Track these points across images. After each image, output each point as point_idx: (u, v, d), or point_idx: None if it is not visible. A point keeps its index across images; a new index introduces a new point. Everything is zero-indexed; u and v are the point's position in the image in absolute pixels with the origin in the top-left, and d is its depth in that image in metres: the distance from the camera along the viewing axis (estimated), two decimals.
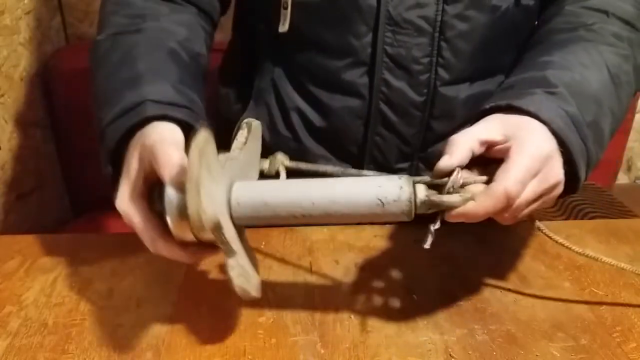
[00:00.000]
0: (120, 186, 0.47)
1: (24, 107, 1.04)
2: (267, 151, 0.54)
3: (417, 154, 0.68)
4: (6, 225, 0.97)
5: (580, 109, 0.50)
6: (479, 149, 0.46)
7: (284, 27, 0.61)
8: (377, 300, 0.55)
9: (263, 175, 0.50)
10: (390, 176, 0.44)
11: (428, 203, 0.43)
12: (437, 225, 0.45)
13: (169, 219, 0.43)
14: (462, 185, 0.44)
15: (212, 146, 0.42)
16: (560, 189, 0.48)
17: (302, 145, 0.68)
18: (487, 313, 0.53)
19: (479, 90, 0.66)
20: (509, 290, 0.57)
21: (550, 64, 0.54)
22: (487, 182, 0.45)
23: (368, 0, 0.59)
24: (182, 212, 0.41)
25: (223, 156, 0.44)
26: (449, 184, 0.43)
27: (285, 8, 0.60)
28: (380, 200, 0.43)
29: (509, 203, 0.44)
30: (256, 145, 0.52)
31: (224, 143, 0.75)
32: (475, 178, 0.45)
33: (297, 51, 0.65)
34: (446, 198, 0.43)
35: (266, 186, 0.45)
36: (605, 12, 0.60)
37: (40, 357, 0.48)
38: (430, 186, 0.45)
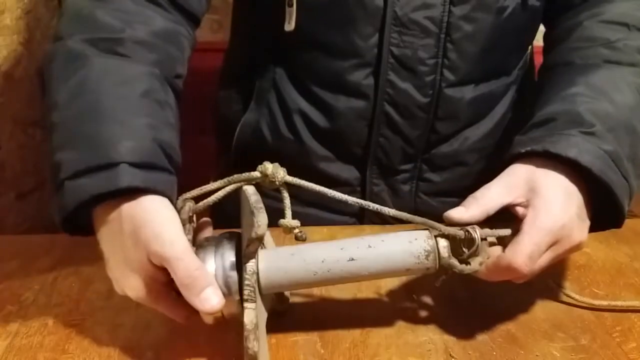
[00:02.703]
0: (120, 271, 0.44)
1: (24, 107, 1.04)
2: (269, 153, 0.53)
3: (421, 155, 0.68)
4: (6, 225, 0.97)
5: (618, 143, 0.50)
6: (495, 211, 0.48)
7: (289, 26, 0.60)
8: (377, 300, 0.55)
9: (257, 185, 0.48)
10: (416, 249, 0.46)
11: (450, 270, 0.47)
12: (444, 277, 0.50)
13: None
14: (482, 239, 0.47)
15: (258, 331, 0.43)
16: (581, 247, 0.49)
17: (304, 147, 0.67)
18: (487, 313, 0.53)
19: (483, 91, 0.66)
20: (510, 290, 0.57)
21: (580, 96, 0.53)
22: (508, 239, 0.47)
23: (375, 1, 0.59)
24: None
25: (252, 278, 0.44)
26: (468, 254, 0.46)
27: (290, 6, 0.59)
28: (406, 273, 0.48)
29: (515, 274, 0.46)
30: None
31: (222, 144, 0.75)
32: (497, 232, 0.47)
33: (300, 51, 0.64)
34: (467, 269, 0.47)
35: (291, 268, 0.46)
36: (626, 25, 0.59)
37: (40, 357, 0.48)
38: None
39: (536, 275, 0.48)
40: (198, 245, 0.46)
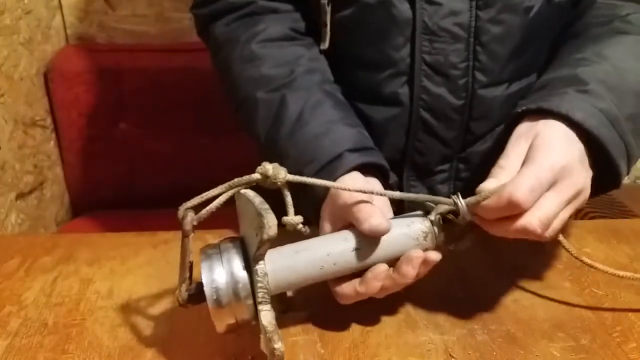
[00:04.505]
0: None
1: (24, 107, 1.04)
2: None
3: (457, 155, 0.68)
4: (6, 225, 0.97)
5: (618, 103, 0.51)
6: None
7: (324, 45, 0.63)
8: (377, 300, 0.55)
9: (258, 188, 0.47)
10: (414, 232, 0.48)
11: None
12: None
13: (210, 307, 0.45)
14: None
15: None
16: (585, 195, 0.49)
17: None
18: (487, 313, 0.53)
19: (516, 89, 0.66)
20: (509, 290, 0.57)
21: (582, 60, 0.56)
22: None
23: (404, 13, 0.60)
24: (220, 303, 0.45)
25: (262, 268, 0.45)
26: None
27: (325, 26, 0.62)
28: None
29: (515, 209, 0.45)
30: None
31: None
32: (481, 198, 0.48)
33: (337, 67, 0.66)
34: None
35: (297, 266, 0.47)
36: (637, 1, 0.61)
37: (40, 357, 0.48)
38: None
39: (553, 235, 0.48)
40: (202, 254, 0.46)
